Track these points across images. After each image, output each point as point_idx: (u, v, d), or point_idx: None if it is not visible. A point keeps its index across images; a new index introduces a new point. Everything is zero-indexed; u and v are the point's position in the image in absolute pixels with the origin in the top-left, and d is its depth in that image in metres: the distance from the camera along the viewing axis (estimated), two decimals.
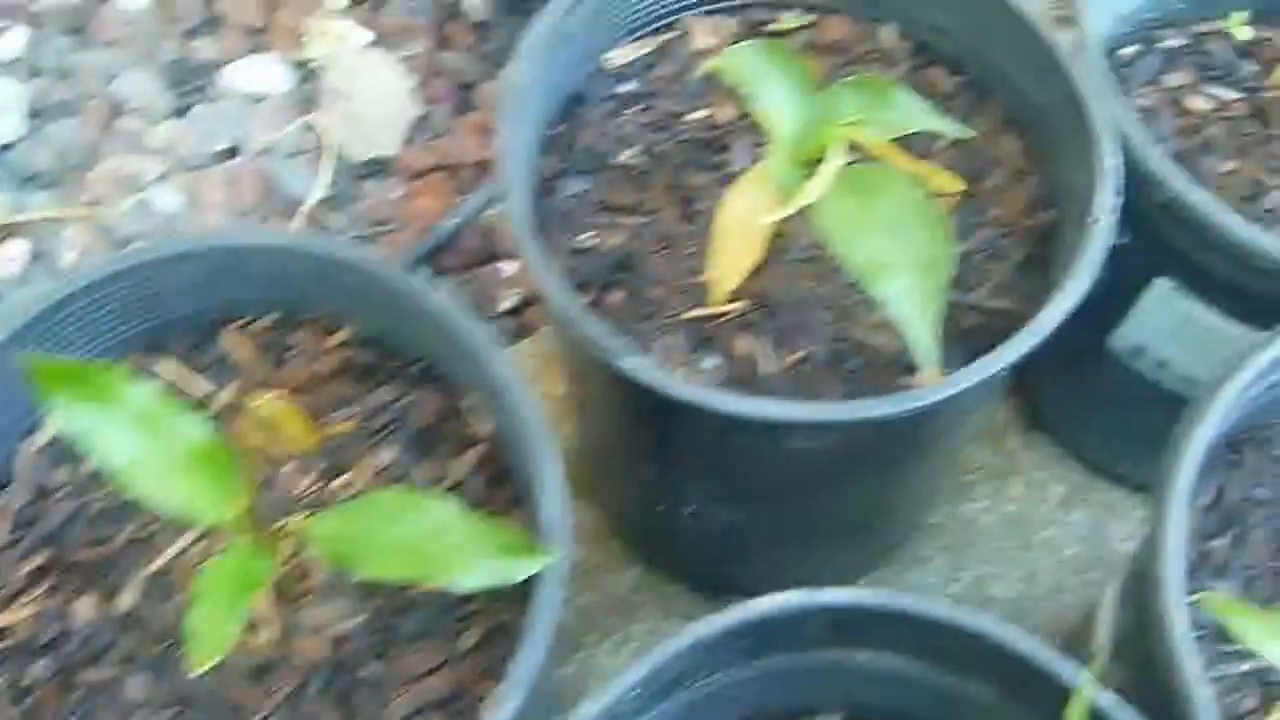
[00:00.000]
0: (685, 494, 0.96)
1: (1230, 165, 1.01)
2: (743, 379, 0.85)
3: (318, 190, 1.24)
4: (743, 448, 0.86)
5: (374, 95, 1.29)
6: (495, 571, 0.68)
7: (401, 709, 0.74)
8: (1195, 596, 0.72)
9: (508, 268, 1.24)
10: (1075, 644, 0.96)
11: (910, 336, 0.74)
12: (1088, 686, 0.64)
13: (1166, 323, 0.95)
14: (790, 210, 0.77)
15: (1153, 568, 0.74)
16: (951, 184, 0.82)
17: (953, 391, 0.77)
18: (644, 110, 0.95)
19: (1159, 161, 0.87)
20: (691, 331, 0.87)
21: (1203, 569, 0.83)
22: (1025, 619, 1.09)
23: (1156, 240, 0.91)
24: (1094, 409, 1.11)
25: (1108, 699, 0.67)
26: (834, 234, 0.76)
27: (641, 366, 0.78)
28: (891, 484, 0.97)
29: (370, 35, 1.34)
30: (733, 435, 0.84)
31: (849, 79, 0.81)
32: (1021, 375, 1.15)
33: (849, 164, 0.78)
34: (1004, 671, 0.70)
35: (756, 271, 0.87)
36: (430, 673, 0.76)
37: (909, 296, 0.74)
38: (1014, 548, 1.12)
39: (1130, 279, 0.95)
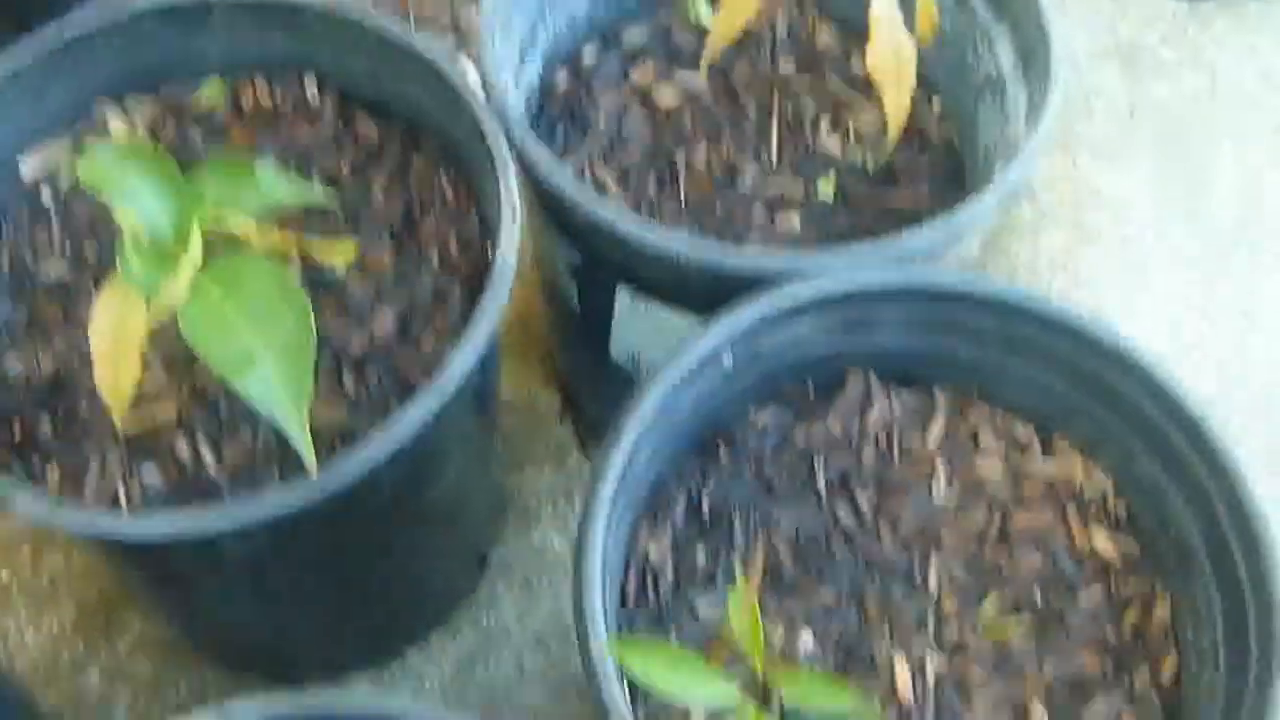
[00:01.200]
0: (192, 610, 0.92)
1: (703, 153, 0.99)
2: (188, 484, 0.82)
3: None
4: (184, 561, 0.82)
5: None
6: None
7: None
8: (606, 640, 0.70)
9: None
10: None
11: (281, 427, 0.71)
12: None
13: (642, 327, 0.93)
14: (159, 315, 0.73)
15: (577, 599, 0.72)
16: (343, 253, 0.79)
17: (351, 477, 0.74)
18: (67, 217, 0.90)
19: (569, 186, 0.85)
20: (130, 445, 0.82)
21: (691, 581, 0.82)
22: None
23: (603, 254, 0.89)
24: None
25: None
26: (193, 333, 0.72)
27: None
28: (400, 548, 0.94)
29: None
30: (166, 555, 0.80)
31: (210, 161, 0.76)
32: (567, 391, 1.14)
33: (229, 254, 0.75)
34: None
35: (188, 367, 0.84)
36: None
37: (274, 387, 0.71)
38: None
39: (602, 293, 0.93)
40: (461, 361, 0.77)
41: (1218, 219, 1.32)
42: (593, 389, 1.09)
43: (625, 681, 0.74)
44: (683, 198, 0.97)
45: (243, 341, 0.72)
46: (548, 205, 0.90)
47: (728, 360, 0.81)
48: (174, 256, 0.75)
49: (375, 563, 0.93)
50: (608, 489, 0.73)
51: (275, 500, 0.73)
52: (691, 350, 0.79)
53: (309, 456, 0.71)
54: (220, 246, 0.75)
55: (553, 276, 1.00)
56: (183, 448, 0.82)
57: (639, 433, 0.77)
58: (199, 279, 0.73)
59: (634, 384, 0.84)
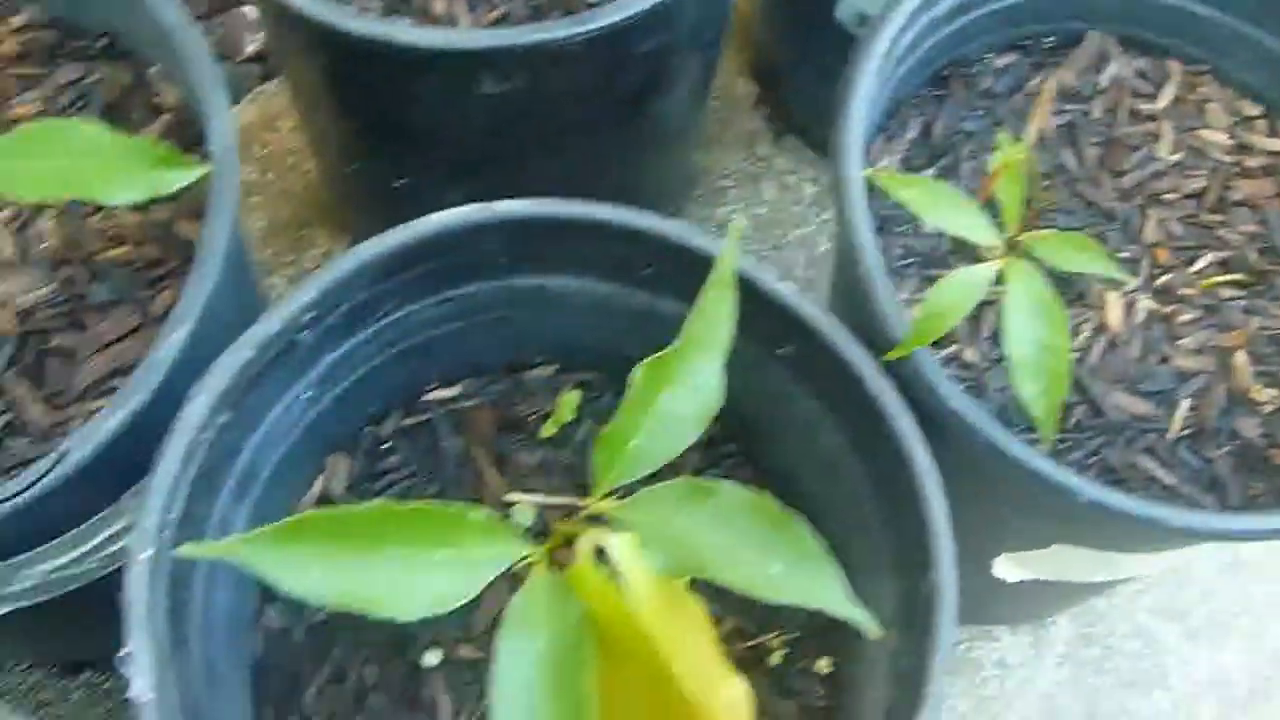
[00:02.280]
0: (402, 165, 0.94)
1: None
2: None
3: None
4: (437, 97, 0.84)
5: None
6: (148, 184, 0.65)
7: (93, 374, 0.72)
8: (867, 171, 0.71)
9: (252, 11, 1.20)
10: None
11: None
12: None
13: None
14: None
15: (837, 155, 0.74)
16: None
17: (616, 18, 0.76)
18: None
19: None
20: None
21: None
22: None
23: None
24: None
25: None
26: None
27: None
28: (616, 163, 0.96)
29: None
30: (421, 79, 0.82)
31: None
32: (767, 80, 1.15)
33: None
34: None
35: None
36: (122, 339, 0.74)
37: None
38: (767, 248, 1.12)
39: None
40: None
41: None
42: (800, 69, 1.10)
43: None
44: None
45: None
46: None
47: None
48: None
49: (593, 172, 0.95)
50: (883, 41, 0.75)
51: (540, 29, 0.75)
52: None
53: None
54: None
55: None
56: (442, 3, 0.84)
57: (900, 26, 0.78)
58: None
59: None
